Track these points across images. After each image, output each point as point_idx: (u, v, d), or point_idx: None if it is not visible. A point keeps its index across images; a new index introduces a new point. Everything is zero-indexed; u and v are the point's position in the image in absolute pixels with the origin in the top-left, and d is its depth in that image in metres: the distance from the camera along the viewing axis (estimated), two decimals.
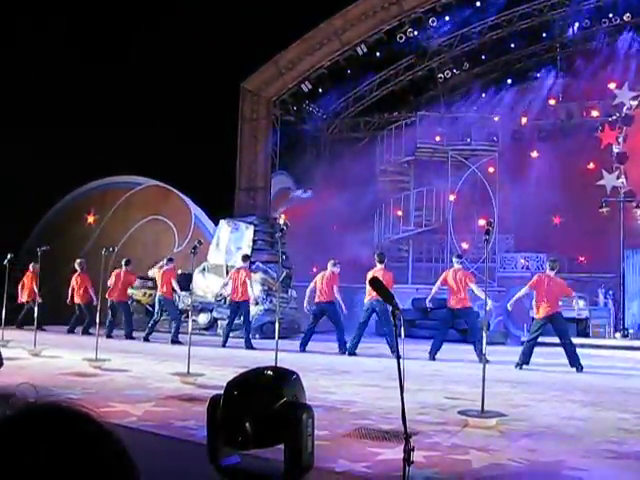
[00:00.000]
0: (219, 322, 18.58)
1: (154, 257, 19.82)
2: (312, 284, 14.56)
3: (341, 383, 9.26)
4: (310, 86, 23.62)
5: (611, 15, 22.57)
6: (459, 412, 6.64)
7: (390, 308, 3.47)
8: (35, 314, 13.32)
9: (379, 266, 13.96)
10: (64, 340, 14.63)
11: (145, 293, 19.58)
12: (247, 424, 3.05)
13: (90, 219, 22.71)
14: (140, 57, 22.40)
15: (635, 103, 21.69)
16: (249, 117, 23.35)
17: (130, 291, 19.64)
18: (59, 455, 0.93)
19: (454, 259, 13.86)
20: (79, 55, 21.77)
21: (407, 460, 3.25)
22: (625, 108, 21.77)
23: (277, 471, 3.20)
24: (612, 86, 22.21)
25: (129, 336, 16.44)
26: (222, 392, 3.29)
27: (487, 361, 9.27)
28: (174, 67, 22.19)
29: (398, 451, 3.63)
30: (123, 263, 16.95)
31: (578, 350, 12.32)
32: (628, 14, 22.27)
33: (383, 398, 7.73)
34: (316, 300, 14.42)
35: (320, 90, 24.73)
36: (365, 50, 22.67)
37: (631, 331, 18.55)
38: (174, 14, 22.48)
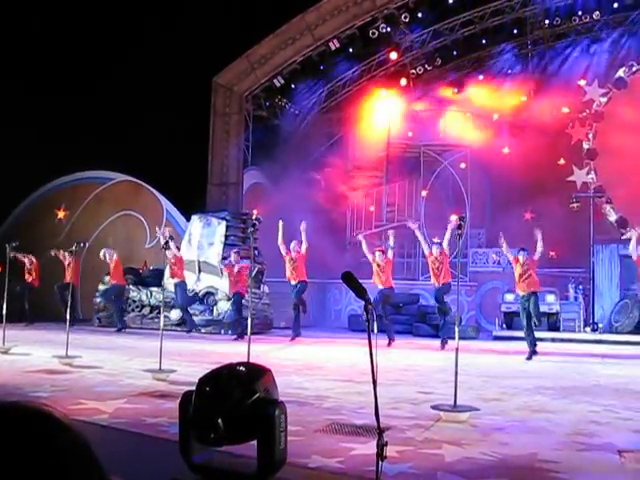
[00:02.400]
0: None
1: (126, 252, 19.68)
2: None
3: (314, 378, 9.24)
4: (283, 81, 23.54)
5: (581, 13, 22.76)
6: (432, 406, 6.66)
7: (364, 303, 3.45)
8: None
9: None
10: (34, 336, 14.44)
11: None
12: (219, 420, 3.01)
13: (60, 214, 22.45)
14: (112, 50, 22.20)
15: (605, 100, 21.94)
16: (221, 112, 23.22)
17: (101, 287, 19.48)
18: (12, 453, 0.90)
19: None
20: (51, 46, 21.48)
21: (380, 455, 3.24)
22: (595, 105, 22.02)
23: (250, 467, 3.18)
24: (582, 83, 22.44)
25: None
26: (194, 388, 3.26)
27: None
28: (146, 61, 21.99)
29: (371, 446, 3.62)
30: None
31: (549, 344, 12.47)
32: (597, 12, 22.48)
33: (356, 393, 7.74)
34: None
35: (293, 85, 24.65)
36: (338, 45, 22.64)
37: (601, 325, 18.79)
38: (147, 7, 22.27)
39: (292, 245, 15.52)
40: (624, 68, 21.79)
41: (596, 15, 22.55)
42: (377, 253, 15.14)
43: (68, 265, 17.57)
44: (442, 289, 14.52)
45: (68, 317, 10.88)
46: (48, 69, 21.31)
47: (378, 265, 14.95)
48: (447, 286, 14.54)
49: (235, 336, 15.94)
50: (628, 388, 9.11)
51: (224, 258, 18.56)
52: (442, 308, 14.55)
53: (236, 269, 16.52)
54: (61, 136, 20.99)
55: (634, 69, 21.72)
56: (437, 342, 14.59)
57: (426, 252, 14.88)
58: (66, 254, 17.56)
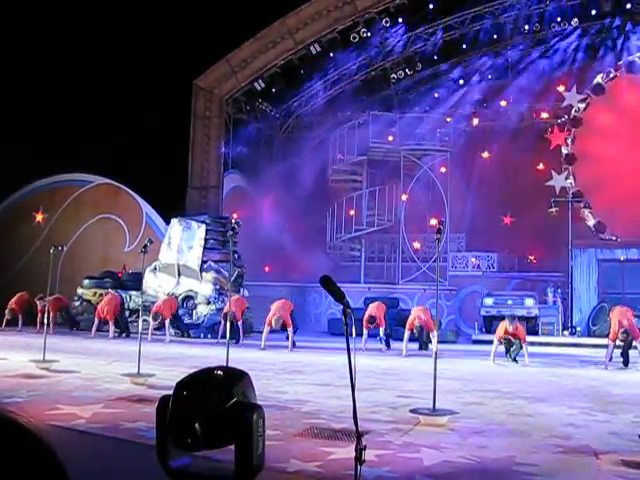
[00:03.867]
0: (166, 322, 18.38)
1: (104, 256, 19.56)
2: None
3: (294, 382, 9.23)
4: (263, 85, 23.51)
5: (560, 20, 22.97)
6: (411, 410, 6.67)
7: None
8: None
9: None
10: (10, 341, 14.29)
11: (95, 293, 19.30)
12: (197, 425, 2.99)
13: (39, 217, 22.28)
14: (92, 52, 22.07)
15: (583, 106, 22.12)
16: (201, 115, 23.15)
17: (80, 290, 19.36)
18: None
19: None
20: (29, 46, 21.32)
21: (358, 459, 3.23)
22: (573, 110, 22.20)
23: (227, 472, 3.15)
24: (561, 89, 22.63)
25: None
26: (172, 392, 3.24)
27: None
28: (127, 64, 21.90)
29: (350, 450, 3.61)
30: None
31: (529, 348, 12.61)
32: (576, 19, 22.70)
33: (335, 397, 7.73)
34: None
35: (273, 89, 24.65)
36: (319, 49, 22.65)
37: (579, 329, 18.93)
38: (129, 10, 22.18)
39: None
40: (602, 75, 22.00)
41: (574, 22, 22.76)
42: None
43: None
44: None
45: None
46: (26, 70, 21.17)
47: None
48: None
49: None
50: (605, 391, 9.19)
51: (204, 262, 18.51)
52: None
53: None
54: (39, 138, 20.83)
55: (611, 75, 21.93)
56: (416, 345, 14.64)
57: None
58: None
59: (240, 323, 15.73)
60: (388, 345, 15.25)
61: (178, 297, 18.49)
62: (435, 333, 7.38)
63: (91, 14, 22.06)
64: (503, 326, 12.53)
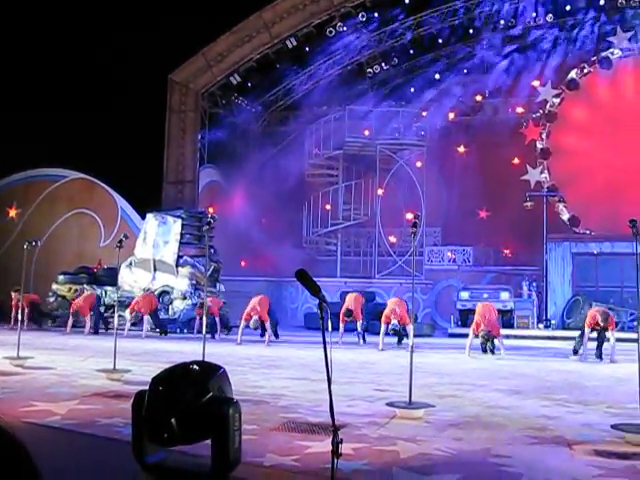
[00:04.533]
0: (145, 317, 18.29)
1: (79, 251, 19.40)
2: None
3: (270, 377, 9.23)
4: (239, 79, 23.43)
5: (535, 15, 23.10)
6: (387, 404, 6.69)
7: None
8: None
9: None
10: None
11: (70, 289, 19.15)
12: (172, 420, 2.99)
13: (12, 212, 22.04)
14: (65, 46, 21.82)
15: (557, 100, 22.32)
16: (177, 109, 23.02)
17: (55, 286, 19.20)
18: None
19: None
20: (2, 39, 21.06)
21: (335, 452, 3.25)
22: (548, 105, 22.39)
23: (204, 467, 3.16)
24: (536, 84, 22.79)
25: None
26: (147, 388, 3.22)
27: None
28: (101, 57, 21.71)
29: (327, 444, 3.63)
30: None
31: (503, 341, 12.70)
32: (551, 15, 22.85)
33: (312, 391, 7.74)
34: None
35: (249, 83, 24.57)
36: (295, 44, 22.61)
37: (553, 322, 19.13)
38: (103, 3, 21.98)
39: None
40: (576, 70, 22.20)
41: (549, 17, 22.91)
42: None
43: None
44: None
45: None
46: (5, 61, 20.88)
47: None
48: None
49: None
50: (579, 383, 9.30)
51: (180, 256, 18.44)
52: None
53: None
54: (12, 133, 20.58)
55: (585, 71, 22.13)
56: (393, 340, 14.68)
57: None
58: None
59: (217, 318, 15.71)
60: (364, 339, 15.29)
61: (154, 292, 18.41)
62: (410, 327, 7.41)
63: (66, 6, 21.81)
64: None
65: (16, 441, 0.97)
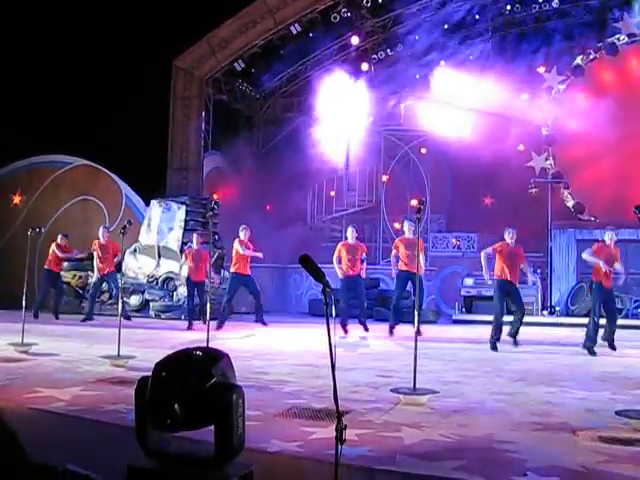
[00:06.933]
0: (151, 304, 18.36)
1: (83, 238, 19.40)
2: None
3: (275, 363, 9.24)
4: (243, 65, 23.34)
5: (541, 1, 22.95)
6: (391, 390, 6.70)
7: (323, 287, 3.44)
8: None
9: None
10: None
11: (75, 275, 19.19)
12: (176, 406, 2.99)
13: (16, 199, 22.02)
14: (68, 30, 21.75)
15: (563, 87, 22.18)
16: (181, 95, 22.95)
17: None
18: None
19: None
20: (4, 25, 20.99)
21: (339, 438, 3.24)
22: (554, 91, 22.26)
23: (208, 453, 3.15)
24: (541, 70, 22.66)
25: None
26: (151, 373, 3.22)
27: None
28: (105, 43, 21.62)
29: (330, 430, 3.62)
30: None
31: (507, 328, 12.62)
32: (557, 0, 22.68)
33: (316, 377, 7.75)
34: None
35: (253, 70, 24.49)
36: (299, 29, 22.50)
37: (558, 309, 19.12)
38: None
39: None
40: (582, 56, 22.05)
41: (555, 3, 22.74)
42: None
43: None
44: None
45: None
46: (1, 51, 20.80)
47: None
48: None
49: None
50: (584, 369, 9.29)
51: (184, 243, 18.43)
52: None
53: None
54: (17, 120, 20.55)
55: (591, 57, 21.98)
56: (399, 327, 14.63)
57: None
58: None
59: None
60: (365, 327, 14.31)
61: (158, 279, 18.44)
62: (416, 312, 7.40)
63: None
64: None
65: (6, 425, 0.96)
